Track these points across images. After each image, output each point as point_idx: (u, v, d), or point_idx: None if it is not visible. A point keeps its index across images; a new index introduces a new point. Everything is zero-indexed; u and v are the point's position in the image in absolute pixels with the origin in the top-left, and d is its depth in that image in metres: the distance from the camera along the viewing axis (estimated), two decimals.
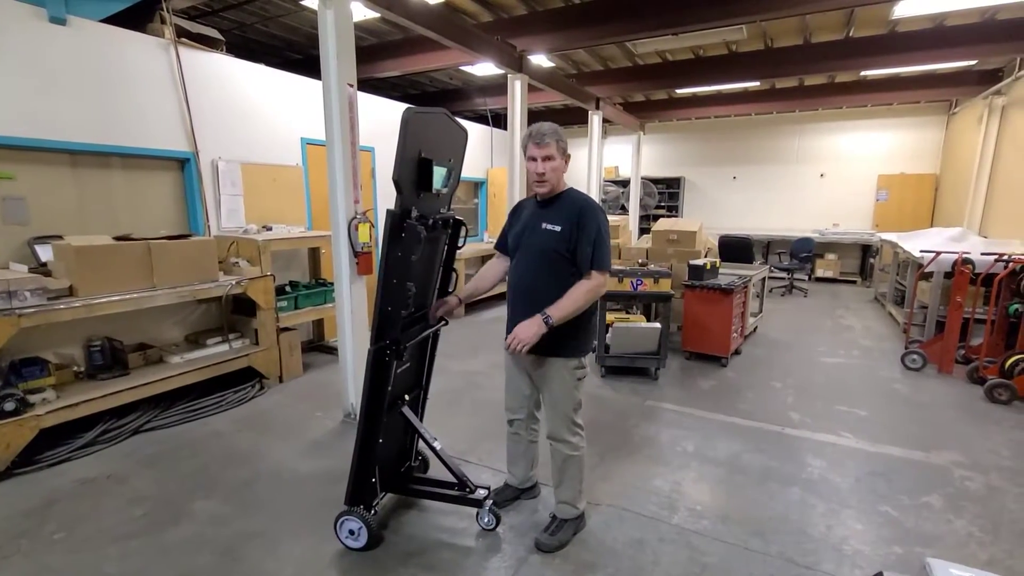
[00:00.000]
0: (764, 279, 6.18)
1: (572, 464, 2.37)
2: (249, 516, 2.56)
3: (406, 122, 1.95)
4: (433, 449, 2.46)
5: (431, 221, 2.17)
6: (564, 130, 2.27)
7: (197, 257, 3.73)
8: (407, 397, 2.50)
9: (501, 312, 2.39)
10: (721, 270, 5.35)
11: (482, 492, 2.45)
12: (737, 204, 10.91)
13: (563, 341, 2.24)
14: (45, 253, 3.43)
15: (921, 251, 5.41)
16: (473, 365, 4.80)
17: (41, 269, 3.33)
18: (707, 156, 11.15)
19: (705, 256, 5.48)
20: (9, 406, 2.87)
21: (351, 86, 3.33)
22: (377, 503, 2.41)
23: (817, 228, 9.84)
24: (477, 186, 8.80)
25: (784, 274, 8.61)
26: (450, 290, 2.64)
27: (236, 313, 4.42)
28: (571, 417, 2.33)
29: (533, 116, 10.14)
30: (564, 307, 2.11)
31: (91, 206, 3.84)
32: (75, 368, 3.51)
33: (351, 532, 2.30)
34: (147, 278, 3.46)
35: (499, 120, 8.34)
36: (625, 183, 11.01)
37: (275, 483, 2.86)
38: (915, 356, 4.79)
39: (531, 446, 2.62)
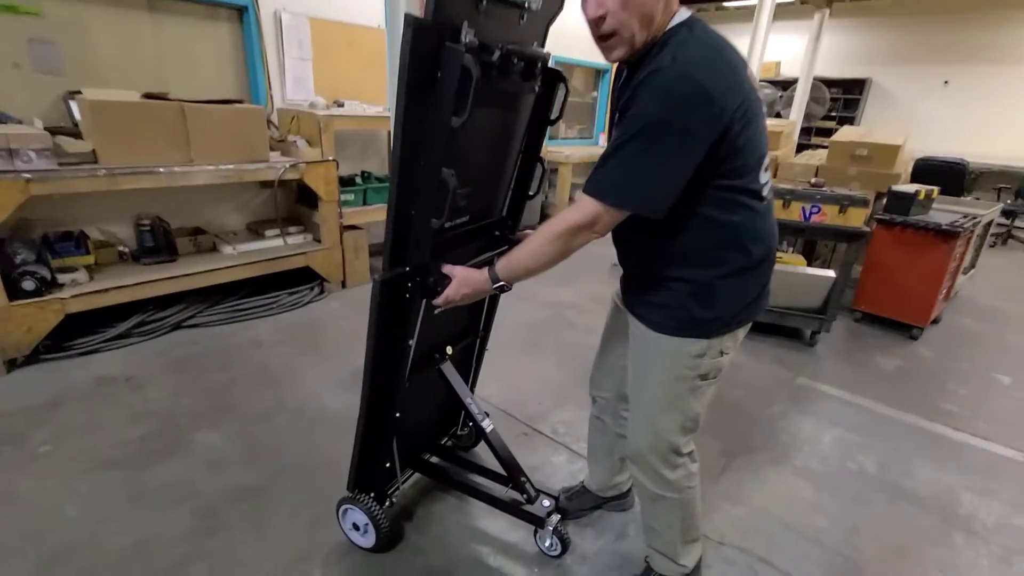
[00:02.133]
0: (991, 222, 4.38)
1: (665, 508, 1.41)
2: (252, 463, 2.01)
3: None
4: (481, 430, 1.65)
5: (499, 54, 1.17)
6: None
7: (243, 130, 3.07)
8: (450, 349, 1.67)
9: None
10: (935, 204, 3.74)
11: (546, 505, 1.63)
12: (944, 119, 8.23)
13: (668, 300, 1.22)
14: None
15: None
16: (566, 295, 3.88)
17: (73, 129, 2.87)
18: (909, 51, 8.40)
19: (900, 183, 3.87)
20: (28, 285, 2.51)
21: None
22: (396, 490, 1.70)
23: None
24: (598, 74, 7.31)
25: (1002, 218, 6.37)
26: (531, 193, 1.68)
27: (302, 203, 3.84)
28: (668, 440, 1.31)
29: None
30: (515, 259, 1.21)
31: (134, 58, 3.26)
32: (120, 248, 3.14)
33: (356, 526, 1.63)
34: (183, 149, 2.87)
35: None
36: (786, 85, 8.74)
37: (295, 421, 2.28)
38: None
39: (620, 441, 1.65)
